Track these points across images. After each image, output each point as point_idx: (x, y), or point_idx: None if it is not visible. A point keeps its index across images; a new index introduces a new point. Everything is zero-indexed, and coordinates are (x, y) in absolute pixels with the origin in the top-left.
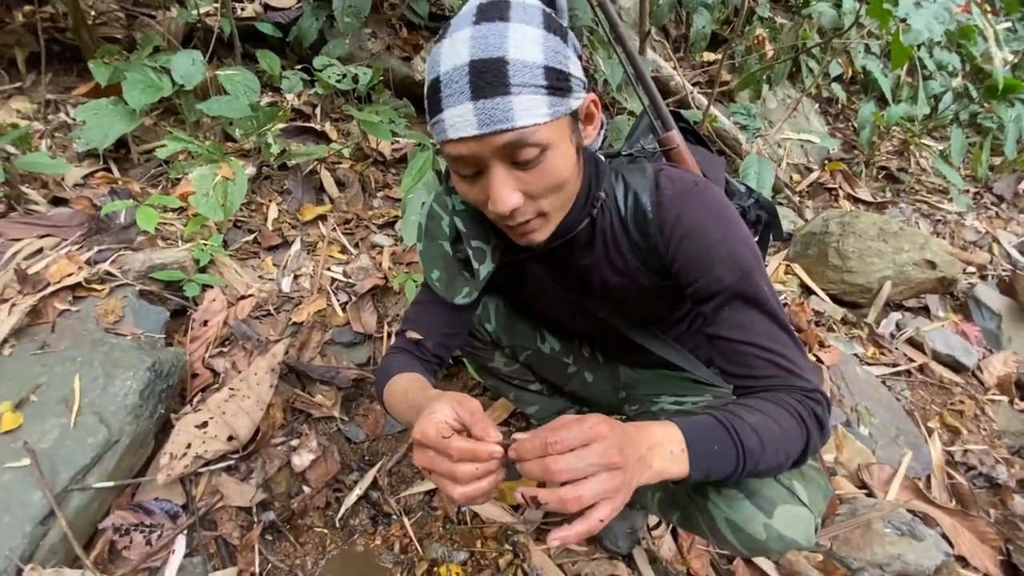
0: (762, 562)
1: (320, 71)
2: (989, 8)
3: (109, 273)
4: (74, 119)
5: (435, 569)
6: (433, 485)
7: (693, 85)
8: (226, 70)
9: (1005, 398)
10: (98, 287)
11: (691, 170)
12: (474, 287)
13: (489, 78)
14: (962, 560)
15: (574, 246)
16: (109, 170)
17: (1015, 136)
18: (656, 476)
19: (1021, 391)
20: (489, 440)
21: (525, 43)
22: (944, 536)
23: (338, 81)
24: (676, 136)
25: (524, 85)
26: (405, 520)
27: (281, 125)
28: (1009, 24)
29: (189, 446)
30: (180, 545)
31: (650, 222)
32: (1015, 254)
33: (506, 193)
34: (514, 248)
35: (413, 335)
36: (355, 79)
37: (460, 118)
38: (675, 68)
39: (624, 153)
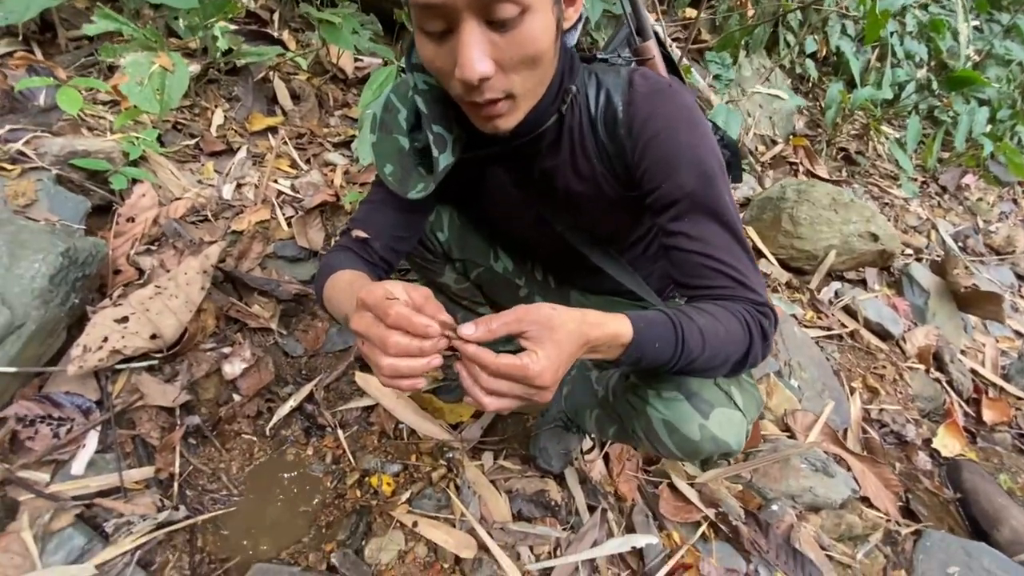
0: (685, 488)
1: None
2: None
3: (22, 153)
4: None
5: (366, 479)
6: (371, 400)
7: (673, 40)
8: None
9: (922, 367)
10: (8, 167)
11: None
12: (430, 181)
13: None
14: (866, 500)
15: (539, 145)
16: (32, 52)
17: (966, 130)
18: (593, 328)
19: (937, 362)
20: (436, 319)
21: None
22: (854, 479)
23: None
24: (653, 46)
25: None
26: (340, 432)
27: (233, 27)
28: (977, 23)
29: (106, 340)
30: (92, 440)
31: (620, 122)
32: (949, 241)
33: (476, 56)
34: (476, 143)
35: (360, 233)
36: None
37: None
38: (657, 20)
39: (600, 58)
